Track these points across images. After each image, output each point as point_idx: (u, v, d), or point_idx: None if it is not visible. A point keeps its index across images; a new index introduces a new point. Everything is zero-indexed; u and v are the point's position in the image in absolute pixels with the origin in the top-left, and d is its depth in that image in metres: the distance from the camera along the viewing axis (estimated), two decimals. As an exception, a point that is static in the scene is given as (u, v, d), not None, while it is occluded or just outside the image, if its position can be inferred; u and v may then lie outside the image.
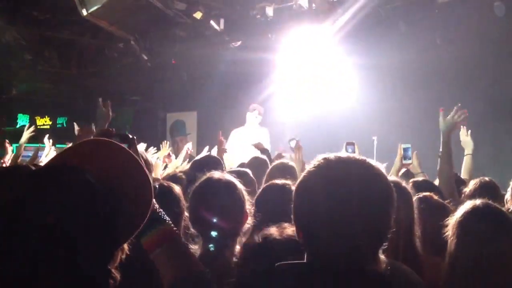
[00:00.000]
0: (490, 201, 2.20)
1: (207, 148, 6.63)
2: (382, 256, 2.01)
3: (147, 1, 7.77)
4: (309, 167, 1.49)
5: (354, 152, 4.77)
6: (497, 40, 7.78)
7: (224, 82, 10.39)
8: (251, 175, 3.79)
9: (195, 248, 2.28)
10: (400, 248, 2.33)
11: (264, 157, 5.22)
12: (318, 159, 1.47)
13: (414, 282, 1.83)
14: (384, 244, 1.43)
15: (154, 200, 1.34)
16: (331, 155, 1.46)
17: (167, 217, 1.49)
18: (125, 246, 1.33)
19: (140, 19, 8.64)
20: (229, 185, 2.41)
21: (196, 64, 10.28)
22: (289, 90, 9.46)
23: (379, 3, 7.22)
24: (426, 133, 7.63)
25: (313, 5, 7.38)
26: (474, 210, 2.14)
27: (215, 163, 3.93)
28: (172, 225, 1.51)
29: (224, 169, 3.86)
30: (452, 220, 2.16)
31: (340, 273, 1.35)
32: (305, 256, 1.43)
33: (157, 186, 1.46)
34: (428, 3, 7.49)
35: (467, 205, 2.17)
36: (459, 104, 3.91)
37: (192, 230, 2.37)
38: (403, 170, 4.75)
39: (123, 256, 1.33)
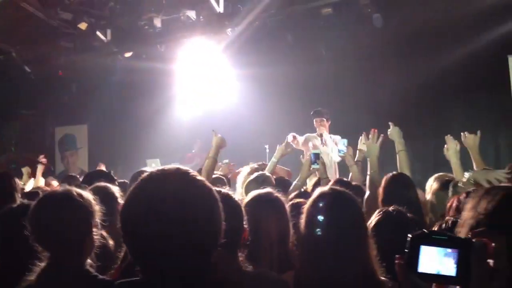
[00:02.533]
0: (337, 188, 2.32)
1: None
2: (247, 266, 2.05)
3: (29, 12, 7.41)
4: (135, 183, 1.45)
5: (318, 163, 4.88)
6: (376, 49, 8.20)
7: (116, 94, 10.13)
8: None
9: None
10: (274, 257, 2.37)
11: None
12: (144, 175, 1.44)
13: (266, 281, 1.85)
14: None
15: None
16: (154, 170, 1.43)
17: None
18: None
19: (23, 31, 8.24)
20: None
21: (85, 75, 9.94)
22: (183, 99, 9.43)
23: (265, 15, 7.35)
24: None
25: (201, 17, 7.39)
26: (318, 196, 2.23)
27: (105, 177, 3.81)
28: None
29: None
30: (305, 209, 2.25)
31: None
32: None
33: None
34: (313, 15, 7.73)
35: (315, 193, 2.26)
36: (376, 130, 4.16)
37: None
38: None
39: None
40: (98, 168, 5.99)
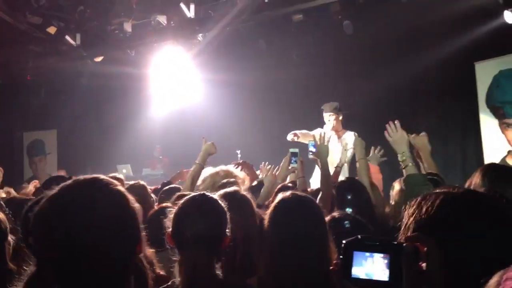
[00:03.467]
0: (298, 193, 2.35)
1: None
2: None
3: (-5, 16, 7.28)
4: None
5: (297, 162, 4.85)
6: (347, 56, 8.29)
7: (86, 99, 10.01)
8: None
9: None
10: (237, 258, 2.39)
11: None
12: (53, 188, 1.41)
13: None
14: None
15: None
16: (70, 180, 1.42)
17: None
18: None
19: (-11, 35, 8.07)
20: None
21: (54, 80, 9.81)
22: (154, 104, 9.39)
23: (237, 21, 7.35)
24: (286, 146, 7.94)
25: (172, 22, 7.35)
26: (280, 201, 2.25)
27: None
28: None
29: None
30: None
31: None
32: None
33: None
34: (285, 21, 7.77)
35: (277, 198, 2.28)
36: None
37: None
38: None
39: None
40: (58, 174, 5.85)
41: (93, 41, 8.16)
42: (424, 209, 1.28)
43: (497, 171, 2.93)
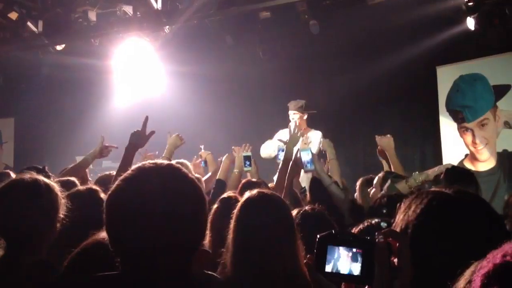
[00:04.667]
0: (265, 191, 2.34)
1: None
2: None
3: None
4: (122, 177, 1.43)
5: (250, 165, 4.82)
6: (312, 55, 8.34)
7: (47, 88, 9.78)
8: None
9: None
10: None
11: None
12: (132, 168, 1.43)
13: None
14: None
15: None
16: (147, 164, 1.42)
17: None
18: None
19: None
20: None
21: (13, 67, 9.52)
22: (117, 96, 9.24)
23: (204, 15, 7.29)
24: (250, 141, 7.96)
25: (138, 13, 7.23)
26: (246, 200, 2.26)
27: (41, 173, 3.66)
28: None
29: None
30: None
31: (152, 282, 1.33)
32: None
33: None
34: (252, 18, 7.76)
35: (244, 197, 2.29)
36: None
37: None
38: None
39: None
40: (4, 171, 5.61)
41: (55, 29, 7.95)
42: (413, 209, 1.32)
43: (456, 172, 3.02)
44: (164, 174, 1.39)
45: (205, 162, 6.02)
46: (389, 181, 3.56)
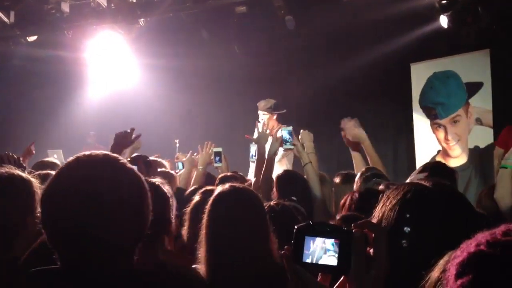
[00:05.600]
0: (237, 185, 2.33)
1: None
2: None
3: None
4: (58, 169, 1.40)
5: (221, 161, 4.78)
6: (288, 51, 8.35)
7: (17, 80, 9.59)
8: None
9: None
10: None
11: None
12: (70, 159, 1.39)
13: (187, 279, 1.82)
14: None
15: None
16: (82, 155, 1.39)
17: None
18: None
19: None
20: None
21: (-17, 58, 9.32)
22: (90, 89, 9.14)
23: (180, 8, 7.23)
24: (224, 135, 7.96)
25: (112, 4, 7.13)
26: (218, 195, 2.24)
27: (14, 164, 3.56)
28: None
29: None
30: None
31: (92, 276, 1.30)
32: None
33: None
34: (227, 12, 7.72)
35: (216, 192, 2.27)
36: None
37: None
38: None
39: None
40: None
41: (28, 20, 7.81)
42: (390, 201, 1.34)
43: (436, 168, 3.06)
44: (101, 163, 1.37)
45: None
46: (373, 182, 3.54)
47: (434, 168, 2.97)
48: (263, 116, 6.53)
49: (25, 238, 2.04)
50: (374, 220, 1.33)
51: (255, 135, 4.40)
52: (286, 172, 4.03)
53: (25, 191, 2.07)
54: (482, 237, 0.81)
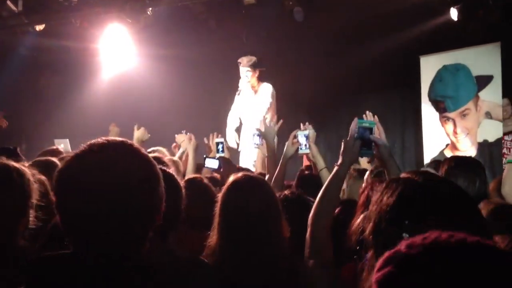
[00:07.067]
0: (250, 173, 2.40)
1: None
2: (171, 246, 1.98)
3: None
4: (73, 153, 1.37)
5: (223, 151, 4.77)
6: (296, 43, 8.31)
7: (25, 69, 9.59)
8: None
9: None
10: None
11: None
12: (82, 145, 1.36)
13: (197, 267, 1.82)
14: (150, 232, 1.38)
15: None
16: (98, 139, 1.36)
17: None
18: None
19: None
20: None
21: (-10, 47, 9.31)
22: (98, 78, 9.14)
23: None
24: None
25: (122, -7, 7.11)
26: (232, 183, 2.25)
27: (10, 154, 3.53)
28: None
29: None
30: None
31: (101, 261, 1.28)
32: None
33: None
34: (235, 3, 7.68)
35: (229, 180, 2.28)
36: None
37: None
38: None
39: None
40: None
41: (36, 8, 7.79)
42: (385, 200, 1.34)
43: (454, 162, 3.06)
44: (115, 148, 1.34)
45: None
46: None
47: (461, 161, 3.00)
48: (246, 72, 6.62)
49: (21, 228, 2.04)
50: (373, 208, 1.36)
51: (262, 128, 4.33)
52: (309, 173, 4.04)
53: (18, 180, 2.06)
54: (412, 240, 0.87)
